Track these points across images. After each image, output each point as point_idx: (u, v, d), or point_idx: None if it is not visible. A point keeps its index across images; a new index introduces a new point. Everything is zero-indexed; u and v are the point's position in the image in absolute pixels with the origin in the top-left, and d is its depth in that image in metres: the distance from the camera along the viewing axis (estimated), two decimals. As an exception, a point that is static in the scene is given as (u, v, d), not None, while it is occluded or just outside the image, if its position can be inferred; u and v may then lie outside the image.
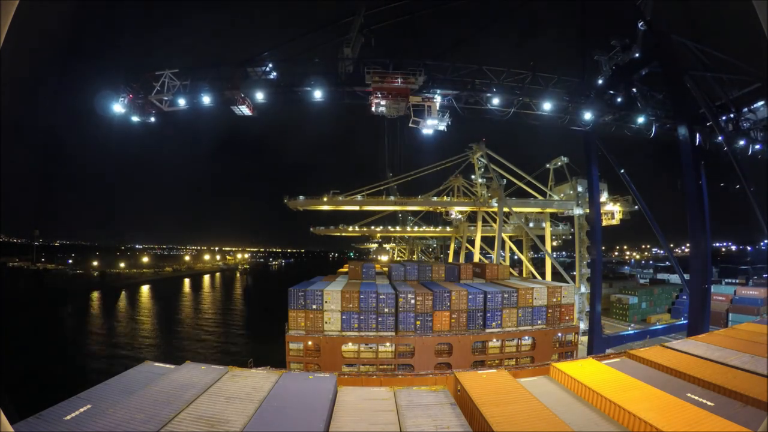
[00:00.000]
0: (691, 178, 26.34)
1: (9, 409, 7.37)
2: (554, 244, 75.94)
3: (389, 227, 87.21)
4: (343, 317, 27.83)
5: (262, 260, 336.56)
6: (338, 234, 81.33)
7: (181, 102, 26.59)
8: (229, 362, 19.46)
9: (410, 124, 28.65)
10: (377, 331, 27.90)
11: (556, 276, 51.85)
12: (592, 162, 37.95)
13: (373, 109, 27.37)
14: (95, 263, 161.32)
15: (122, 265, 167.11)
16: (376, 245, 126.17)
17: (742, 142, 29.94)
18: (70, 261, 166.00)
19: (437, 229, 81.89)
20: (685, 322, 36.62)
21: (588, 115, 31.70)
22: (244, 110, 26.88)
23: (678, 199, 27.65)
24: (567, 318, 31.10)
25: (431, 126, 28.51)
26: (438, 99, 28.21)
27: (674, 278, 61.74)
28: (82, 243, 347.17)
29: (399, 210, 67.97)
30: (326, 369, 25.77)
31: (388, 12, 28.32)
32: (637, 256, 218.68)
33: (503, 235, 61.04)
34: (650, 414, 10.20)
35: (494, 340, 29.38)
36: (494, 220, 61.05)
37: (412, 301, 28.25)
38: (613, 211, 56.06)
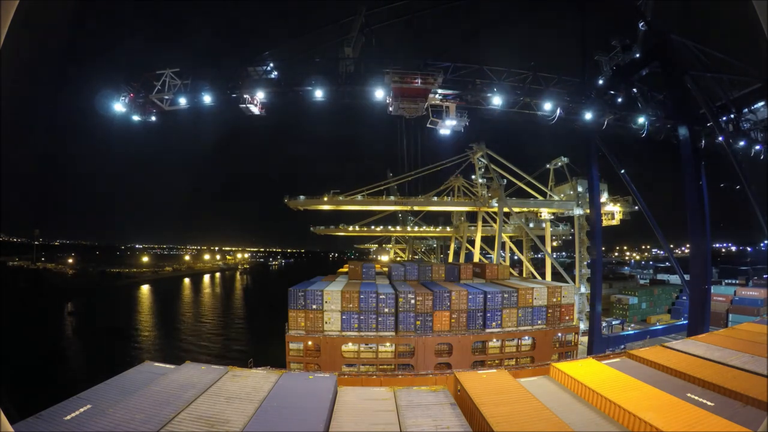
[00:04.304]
0: (691, 178, 26.34)
1: (9, 409, 7.37)
2: (554, 244, 75.99)
3: (389, 227, 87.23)
4: (343, 317, 27.81)
5: (262, 260, 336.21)
6: (338, 234, 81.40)
7: (182, 101, 26.57)
8: (229, 362, 19.46)
9: (428, 125, 28.72)
10: (377, 331, 27.88)
11: (556, 276, 51.86)
12: (593, 162, 37.94)
13: (392, 109, 27.06)
14: (95, 263, 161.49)
15: (122, 264, 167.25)
16: (376, 245, 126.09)
17: (742, 143, 29.91)
18: (70, 260, 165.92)
19: (437, 229, 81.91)
20: (685, 322, 36.63)
21: (588, 115, 31.69)
22: (254, 110, 26.73)
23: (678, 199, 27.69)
24: (567, 318, 31.10)
25: (449, 126, 28.72)
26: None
27: (674, 279, 61.63)
28: (82, 243, 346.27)
29: (399, 210, 67.98)
30: (326, 369, 25.75)
31: (388, 12, 28.32)
32: (637, 257, 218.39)
33: (503, 235, 61.04)
34: (650, 414, 10.21)
35: (494, 340, 29.37)
36: (494, 220, 61.04)
37: (412, 301, 28.23)
38: (613, 211, 56.05)
